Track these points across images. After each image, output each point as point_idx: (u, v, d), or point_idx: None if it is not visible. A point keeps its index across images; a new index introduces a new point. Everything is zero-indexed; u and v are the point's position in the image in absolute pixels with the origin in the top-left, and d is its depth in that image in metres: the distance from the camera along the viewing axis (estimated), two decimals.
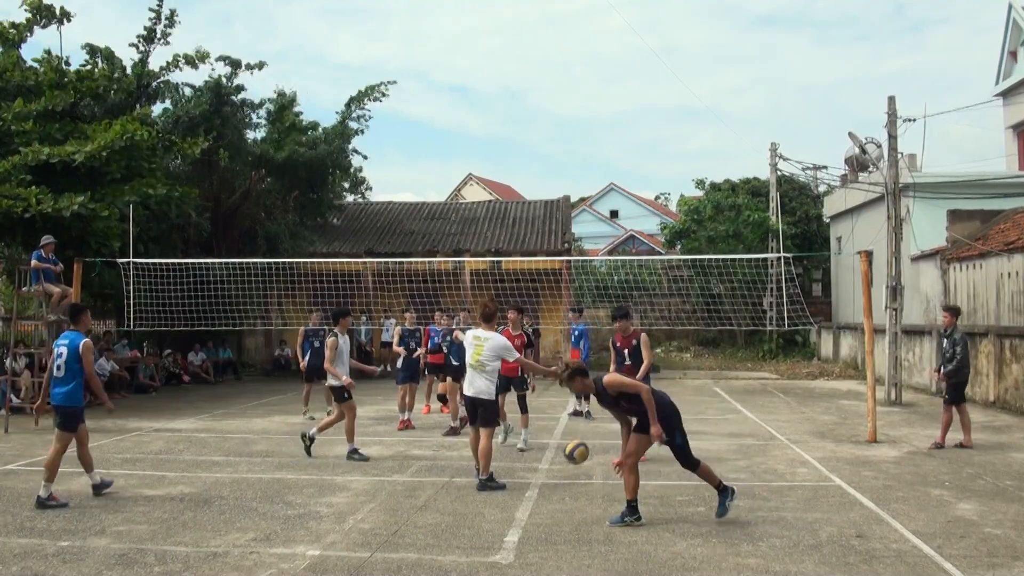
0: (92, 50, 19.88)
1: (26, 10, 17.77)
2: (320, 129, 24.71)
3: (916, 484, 8.96)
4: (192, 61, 20.20)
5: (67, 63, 18.44)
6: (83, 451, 8.46)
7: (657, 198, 56.43)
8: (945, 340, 11.66)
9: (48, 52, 18.44)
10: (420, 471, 9.68)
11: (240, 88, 22.21)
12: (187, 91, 21.83)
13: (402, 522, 7.40)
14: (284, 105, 24.80)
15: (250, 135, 23.56)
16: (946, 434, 11.28)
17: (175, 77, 20.97)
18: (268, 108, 24.67)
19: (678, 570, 6.09)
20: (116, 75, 19.09)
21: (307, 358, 14.81)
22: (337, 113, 25.02)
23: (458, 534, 7.00)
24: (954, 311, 11.85)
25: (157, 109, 21.16)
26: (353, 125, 24.77)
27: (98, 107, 18.23)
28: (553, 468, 9.87)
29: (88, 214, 14.89)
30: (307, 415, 14.34)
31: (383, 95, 24.70)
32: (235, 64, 21.88)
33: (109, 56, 19.85)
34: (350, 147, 25.21)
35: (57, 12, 18.10)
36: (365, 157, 29.94)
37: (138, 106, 19.28)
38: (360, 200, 31.53)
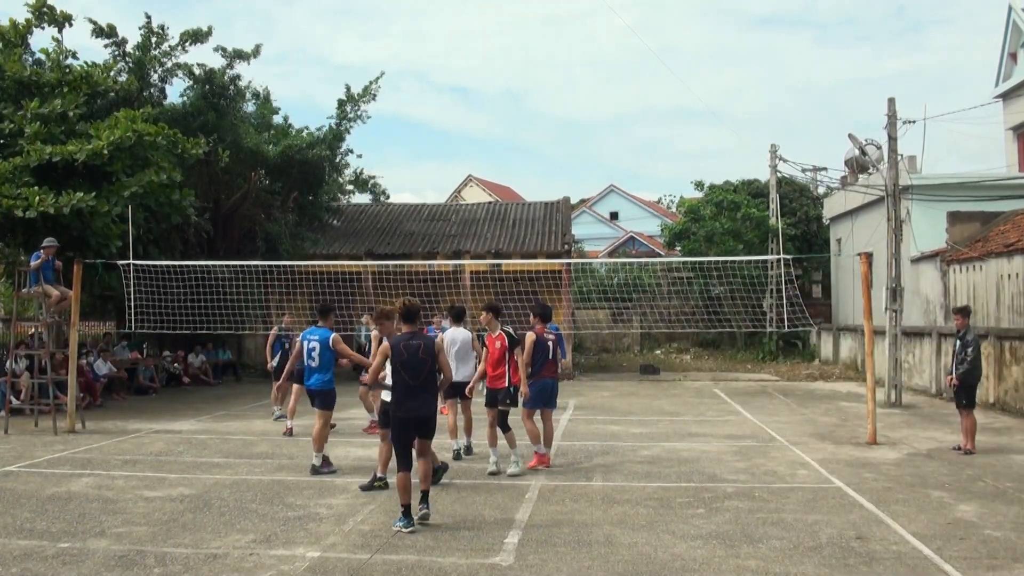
0: (97, 29, 19.95)
1: (28, 8, 17.80)
2: (314, 130, 24.70)
3: (916, 486, 8.96)
4: (200, 36, 20.34)
5: (74, 56, 18.50)
6: (324, 432, 9.92)
7: (659, 201, 56.43)
8: (958, 342, 11.26)
9: (59, 41, 18.45)
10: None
11: (237, 78, 22.22)
12: (180, 85, 21.93)
13: None
14: (263, 102, 24.91)
15: (244, 133, 23.59)
16: (973, 439, 11.04)
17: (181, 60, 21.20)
18: (253, 106, 24.72)
19: (678, 571, 6.09)
20: (119, 66, 19.19)
21: (276, 359, 14.97)
22: (330, 118, 24.98)
23: (458, 536, 7.01)
24: (964, 311, 11.48)
25: (169, 96, 21.40)
26: (346, 126, 24.76)
27: (100, 101, 18.18)
28: (552, 470, 9.87)
29: (88, 211, 14.88)
30: (276, 416, 14.45)
31: (373, 95, 24.66)
32: (235, 54, 21.86)
33: (112, 33, 19.92)
34: (344, 148, 25.19)
35: (58, 14, 18.13)
36: (359, 156, 29.90)
37: (148, 95, 19.36)
38: (376, 203, 31.66)
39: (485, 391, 10.01)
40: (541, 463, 9.97)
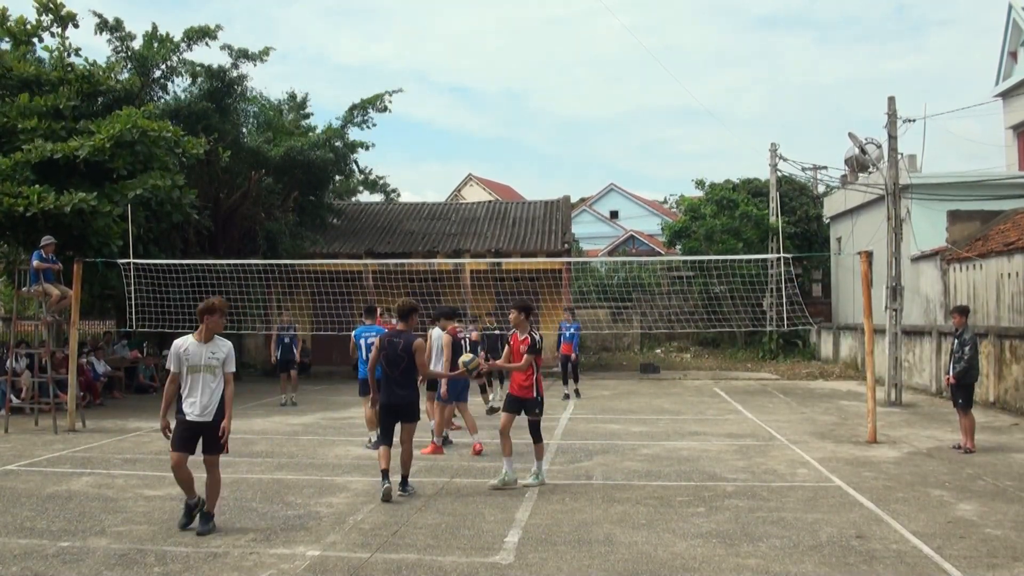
0: (102, 23, 19.96)
1: (34, 6, 17.83)
2: (319, 131, 24.75)
3: (916, 485, 8.96)
4: (206, 33, 20.35)
5: (77, 52, 18.53)
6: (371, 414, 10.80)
7: (664, 202, 56.37)
8: (955, 341, 11.27)
9: (63, 39, 18.49)
10: (420, 471, 9.64)
11: (243, 78, 22.17)
12: (183, 83, 21.89)
13: (402, 522, 7.40)
14: (299, 106, 25.04)
15: (247, 133, 23.58)
16: (973, 437, 11.05)
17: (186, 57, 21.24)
18: (272, 109, 24.77)
19: (678, 570, 6.08)
20: (122, 63, 19.21)
21: (279, 353, 16.68)
22: (338, 119, 25.07)
23: (458, 534, 7.00)
24: (962, 311, 11.48)
25: (171, 93, 21.43)
26: (355, 133, 24.89)
27: (102, 100, 18.17)
28: (553, 468, 9.87)
29: (89, 210, 14.86)
30: (284, 404, 16.52)
31: (386, 107, 24.81)
32: (241, 53, 21.82)
33: (117, 27, 19.94)
34: (352, 156, 25.26)
35: (64, 13, 18.14)
36: (363, 169, 30.13)
37: (150, 93, 19.37)
38: (387, 201, 31.88)
39: (507, 397, 9.31)
40: (436, 452, 10.89)
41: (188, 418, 7.13)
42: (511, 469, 8.89)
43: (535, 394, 8.97)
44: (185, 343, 7.22)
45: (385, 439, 8.47)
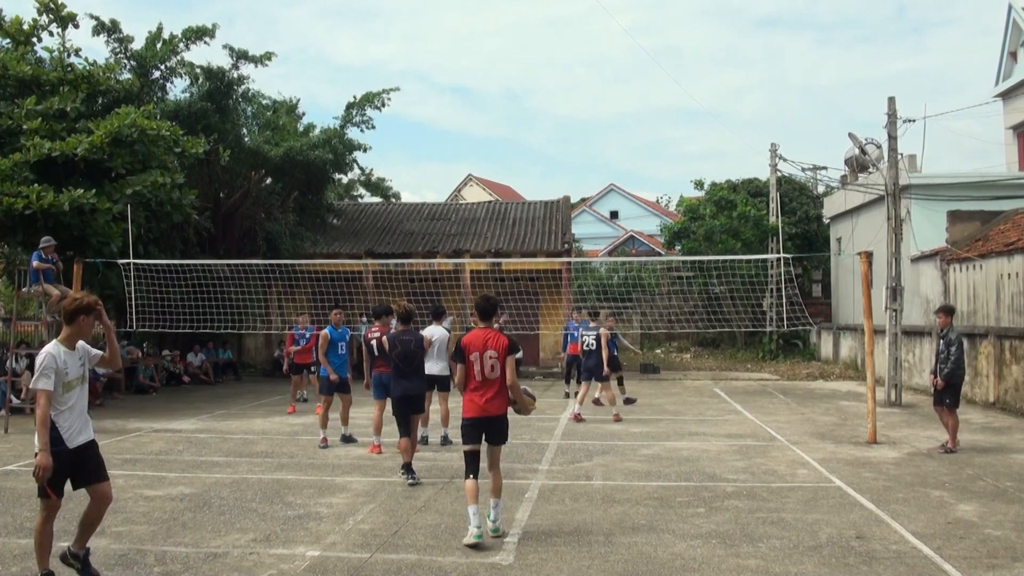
0: (100, 25, 19.97)
1: (34, 5, 17.86)
2: (319, 130, 24.74)
3: (916, 485, 8.96)
4: (204, 33, 20.35)
5: (77, 53, 18.56)
6: (344, 411, 12.02)
7: (659, 200, 56.30)
8: (940, 341, 11.34)
9: (63, 39, 18.55)
10: (419, 472, 9.64)
11: (243, 79, 22.14)
12: (182, 83, 21.98)
13: (402, 523, 7.40)
14: (289, 109, 25.01)
15: (247, 133, 23.55)
16: (955, 437, 11.11)
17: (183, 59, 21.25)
18: (270, 108, 24.77)
19: (678, 571, 6.09)
20: (121, 64, 19.24)
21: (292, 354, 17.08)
22: (336, 118, 25.06)
23: (458, 535, 7.00)
24: (947, 310, 11.57)
25: (171, 94, 21.45)
26: (353, 132, 24.85)
27: (102, 100, 18.17)
28: (553, 469, 9.88)
29: (88, 208, 14.85)
30: (299, 400, 16.75)
31: (384, 104, 24.77)
32: (241, 55, 21.78)
33: (115, 29, 19.96)
34: (351, 156, 25.23)
35: (65, 14, 18.16)
36: (363, 169, 30.23)
37: (149, 93, 19.40)
38: (386, 203, 31.92)
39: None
40: (375, 450, 11.03)
41: (71, 446, 5.58)
42: (482, 518, 6.77)
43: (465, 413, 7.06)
44: (59, 353, 5.57)
45: (405, 431, 9.07)
